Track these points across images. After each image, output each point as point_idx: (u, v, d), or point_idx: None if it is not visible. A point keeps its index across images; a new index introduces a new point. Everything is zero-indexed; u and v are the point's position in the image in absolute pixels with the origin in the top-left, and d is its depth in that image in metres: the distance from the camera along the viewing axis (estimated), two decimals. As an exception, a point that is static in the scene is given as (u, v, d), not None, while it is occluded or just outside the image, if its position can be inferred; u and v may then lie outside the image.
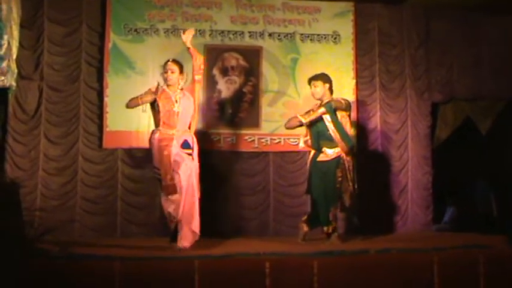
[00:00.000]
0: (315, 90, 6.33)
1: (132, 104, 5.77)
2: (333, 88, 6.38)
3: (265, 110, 7.56)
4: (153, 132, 5.71)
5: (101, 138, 7.20)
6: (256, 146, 7.53)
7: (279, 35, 7.65)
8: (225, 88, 7.54)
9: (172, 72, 5.69)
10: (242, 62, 7.59)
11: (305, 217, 6.46)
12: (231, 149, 7.48)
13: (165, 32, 7.40)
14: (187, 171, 5.61)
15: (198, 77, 5.85)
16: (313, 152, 6.34)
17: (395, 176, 7.76)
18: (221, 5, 7.53)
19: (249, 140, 7.51)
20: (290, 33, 7.66)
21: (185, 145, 5.69)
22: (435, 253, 5.18)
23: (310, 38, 7.69)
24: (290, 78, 7.62)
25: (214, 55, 7.51)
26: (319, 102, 6.36)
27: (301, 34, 7.68)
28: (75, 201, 7.10)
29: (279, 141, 7.55)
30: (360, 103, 7.74)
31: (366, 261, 5.15)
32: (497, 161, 8.29)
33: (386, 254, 5.33)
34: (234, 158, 7.51)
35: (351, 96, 7.56)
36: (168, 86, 5.71)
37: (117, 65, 7.23)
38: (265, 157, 7.59)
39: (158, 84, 5.78)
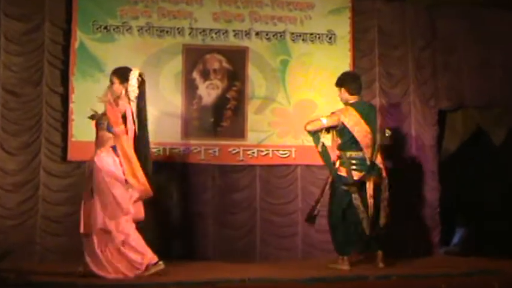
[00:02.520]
0: (340, 96, 6.62)
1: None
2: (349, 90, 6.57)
3: (252, 118, 7.59)
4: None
5: (65, 150, 7.20)
6: (241, 158, 7.55)
7: (267, 34, 7.68)
8: (206, 94, 7.56)
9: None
10: (225, 65, 7.61)
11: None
12: (212, 162, 7.49)
13: (139, 30, 7.42)
14: None
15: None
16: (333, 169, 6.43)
17: (397, 192, 7.55)
18: (202, 1, 7.58)
19: (233, 152, 7.54)
20: (280, 32, 7.70)
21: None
22: (443, 280, 5.17)
23: (302, 37, 7.73)
24: (279, 83, 7.66)
25: (194, 57, 7.54)
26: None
27: (292, 33, 7.72)
28: (35, 220, 7.08)
29: (267, 153, 7.59)
30: None
31: (363, 289, 5.15)
32: (512, 174, 8.37)
33: (386, 281, 5.37)
34: (216, 172, 7.53)
35: None
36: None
37: (84, 67, 7.25)
38: (251, 171, 7.62)
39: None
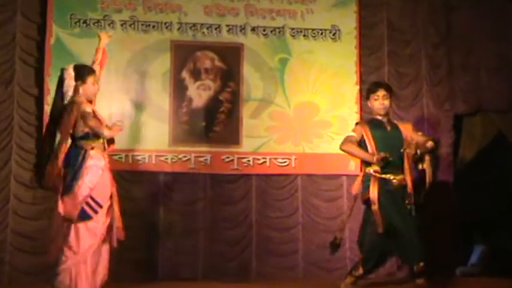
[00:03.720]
0: (384, 103, 6.37)
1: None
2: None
3: (247, 122, 7.56)
4: (89, 155, 5.68)
5: (39, 157, 7.15)
6: (235, 167, 7.52)
7: (264, 30, 7.66)
8: (197, 95, 7.53)
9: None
10: (218, 63, 7.60)
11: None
12: (204, 171, 7.46)
13: (122, 25, 7.41)
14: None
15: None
16: (374, 180, 6.22)
17: (409, 205, 7.72)
18: (192, -8, 7.62)
19: (227, 160, 7.50)
20: (278, 28, 7.68)
21: None
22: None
23: (303, 33, 7.72)
24: (278, 84, 7.64)
25: (183, 54, 7.52)
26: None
27: (292, 29, 7.70)
28: (5, 236, 7.00)
29: (264, 162, 7.56)
30: (365, 115, 7.61)
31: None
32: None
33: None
34: (208, 183, 7.51)
35: (353, 106, 7.64)
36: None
37: (61, 66, 6.78)
38: (247, 181, 7.60)
39: None
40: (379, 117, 6.38)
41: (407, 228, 6.07)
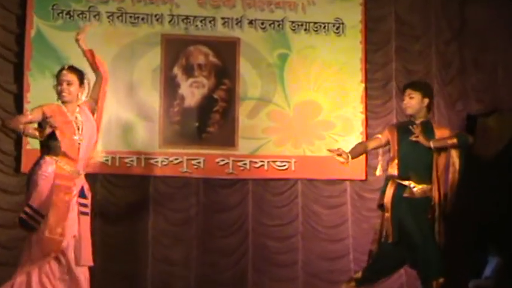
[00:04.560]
0: (409, 102, 6.19)
1: (14, 123, 5.40)
2: (432, 105, 6.34)
3: (244, 123, 7.56)
4: (44, 162, 5.34)
5: (18, 159, 7.12)
6: (230, 171, 7.51)
7: (262, 23, 7.65)
8: (190, 93, 7.53)
9: (69, 84, 5.41)
10: (213, 59, 7.59)
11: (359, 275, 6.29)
12: (197, 176, 7.45)
13: (109, 17, 7.42)
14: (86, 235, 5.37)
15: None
16: (391, 185, 6.15)
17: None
18: (185, -18, 7.58)
19: (222, 163, 7.49)
20: (278, 21, 7.68)
21: (82, 194, 5.41)
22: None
23: (304, 27, 7.72)
24: (277, 81, 7.65)
25: (175, 49, 7.52)
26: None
27: (293, 22, 7.71)
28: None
29: (262, 165, 7.54)
30: (371, 115, 7.70)
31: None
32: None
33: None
34: (201, 188, 7.50)
35: (357, 106, 7.62)
36: (63, 102, 5.42)
37: (42, 60, 7.18)
38: (243, 186, 7.60)
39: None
40: (409, 120, 6.22)
41: (426, 240, 5.97)
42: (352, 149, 6.23)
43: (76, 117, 5.35)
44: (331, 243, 7.27)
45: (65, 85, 5.34)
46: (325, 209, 7.62)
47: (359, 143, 6.48)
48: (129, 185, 7.28)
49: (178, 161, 7.39)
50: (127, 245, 7.06)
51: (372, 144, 6.30)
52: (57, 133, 5.21)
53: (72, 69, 5.42)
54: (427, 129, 6.11)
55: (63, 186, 5.24)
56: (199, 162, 7.43)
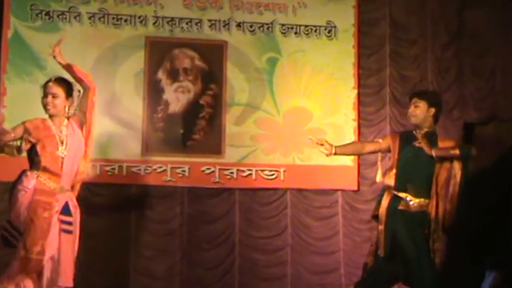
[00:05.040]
0: (414, 111, 6.14)
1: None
2: (439, 116, 6.22)
3: (231, 130, 7.55)
4: (26, 176, 5.30)
5: (-6, 167, 7.04)
6: (217, 180, 7.50)
7: (251, 26, 7.65)
8: (175, 98, 7.52)
9: (54, 97, 5.35)
10: (199, 63, 7.59)
11: None
12: (181, 185, 7.43)
13: (90, 18, 7.41)
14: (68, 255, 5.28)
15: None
16: (387, 196, 6.11)
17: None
18: (171, -17, 7.56)
19: (207, 171, 7.47)
20: (267, 24, 7.68)
21: (65, 210, 5.32)
22: None
23: (294, 30, 7.72)
24: (266, 87, 7.65)
25: (159, 52, 7.51)
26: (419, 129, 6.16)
27: (283, 25, 7.70)
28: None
29: (249, 174, 7.54)
30: (363, 123, 7.69)
31: None
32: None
33: None
34: (186, 197, 7.49)
35: (349, 113, 7.60)
36: (50, 116, 5.38)
37: (19, 63, 7.18)
38: (230, 196, 7.59)
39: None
40: (414, 129, 6.16)
41: (420, 255, 5.91)
42: (344, 144, 6.27)
43: (61, 131, 5.29)
44: (321, 256, 7.25)
45: (50, 98, 5.29)
46: (315, 220, 7.59)
47: (355, 142, 6.52)
48: (110, 195, 7.24)
49: (162, 169, 7.36)
50: (107, 257, 7.02)
51: (369, 147, 6.25)
52: (38, 147, 5.17)
53: (59, 81, 5.36)
54: (431, 139, 6.06)
55: (42, 202, 5.18)
56: (184, 171, 7.41)
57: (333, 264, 7.52)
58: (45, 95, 5.31)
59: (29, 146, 5.14)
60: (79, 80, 5.41)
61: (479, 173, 7.92)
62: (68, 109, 5.34)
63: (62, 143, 5.28)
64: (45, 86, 5.33)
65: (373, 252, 6.15)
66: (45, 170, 5.20)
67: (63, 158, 5.25)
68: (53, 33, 7.18)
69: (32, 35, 7.21)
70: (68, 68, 5.40)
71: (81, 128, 5.41)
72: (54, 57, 5.42)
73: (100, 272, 6.99)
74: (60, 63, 5.40)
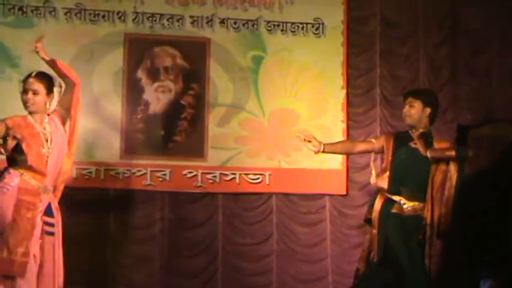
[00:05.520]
0: (409, 111, 6.17)
1: None
2: (435, 116, 6.25)
3: (214, 131, 7.56)
4: (8, 174, 5.26)
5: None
6: (199, 184, 7.51)
7: (235, 23, 7.67)
8: (155, 99, 7.53)
9: (34, 94, 5.31)
10: (180, 61, 7.58)
11: None
12: (162, 189, 7.44)
13: (66, 14, 7.39)
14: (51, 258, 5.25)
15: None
16: (380, 199, 6.12)
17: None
18: (151, -23, 7.52)
19: (189, 175, 7.48)
20: (252, 21, 7.70)
21: (48, 211, 5.31)
22: None
23: (281, 27, 7.74)
24: (250, 87, 7.66)
25: (139, 50, 7.52)
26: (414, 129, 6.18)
27: (268, 22, 7.72)
28: None
29: (233, 178, 7.55)
30: (352, 124, 7.69)
31: None
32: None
33: None
34: (167, 202, 7.49)
35: (338, 114, 7.59)
36: (30, 113, 5.34)
37: None
38: (213, 201, 7.59)
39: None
40: (409, 130, 6.18)
41: (414, 261, 5.90)
42: (334, 142, 6.27)
43: (44, 128, 5.26)
44: (308, 264, 7.27)
45: (30, 94, 5.24)
46: (302, 226, 7.59)
47: (346, 140, 6.49)
48: (87, 199, 7.17)
49: (141, 172, 7.35)
50: (83, 266, 6.92)
51: (361, 147, 6.26)
52: (23, 146, 5.13)
53: (40, 76, 5.31)
54: (427, 141, 6.06)
55: (26, 201, 5.15)
56: (164, 175, 7.40)
57: (320, 272, 7.52)
58: (25, 91, 5.26)
59: (14, 143, 5.10)
60: (63, 76, 5.39)
61: (475, 177, 7.93)
62: (49, 105, 5.30)
63: (47, 140, 5.24)
64: (25, 81, 5.29)
65: (365, 257, 6.15)
66: (30, 168, 5.16)
67: (47, 156, 5.22)
68: (27, 29, 7.19)
69: (4, 31, 7.20)
70: (52, 63, 5.37)
71: (63, 125, 5.38)
72: (37, 52, 5.36)
73: (75, 281, 6.77)
74: (43, 58, 5.36)
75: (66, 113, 5.38)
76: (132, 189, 7.34)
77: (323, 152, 5.96)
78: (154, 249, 7.38)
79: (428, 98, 6.20)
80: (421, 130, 6.08)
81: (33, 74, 5.30)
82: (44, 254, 5.17)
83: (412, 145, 5.95)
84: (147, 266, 7.34)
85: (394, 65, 7.90)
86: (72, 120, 5.42)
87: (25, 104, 5.26)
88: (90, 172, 7.22)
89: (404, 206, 5.96)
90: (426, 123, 6.10)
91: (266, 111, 7.59)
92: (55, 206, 5.33)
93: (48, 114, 5.30)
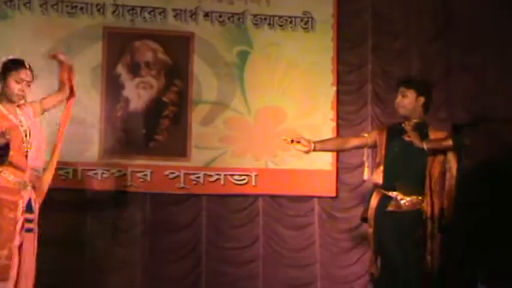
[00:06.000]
0: (402, 101, 6.08)
1: None
2: (429, 105, 6.16)
3: (198, 130, 7.56)
4: None
5: None
6: (181, 185, 7.51)
7: (220, 16, 7.66)
8: (136, 95, 7.52)
9: (29, 85, 5.33)
10: (162, 56, 7.58)
11: None
12: (143, 190, 7.43)
13: (41, 5, 7.39)
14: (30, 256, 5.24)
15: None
16: (376, 196, 6.07)
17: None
18: (131, -33, 7.49)
19: (171, 176, 7.48)
20: (237, 14, 7.70)
21: (28, 207, 5.27)
22: None
23: (268, 21, 7.75)
24: (236, 83, 7.66)
25: (119, 44, 7.51)
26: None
27: (255, 15, 7.73)
28: None
29: (218, 179, 7.54)
30: (342, 123, 7.68)
31: None
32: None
33: None
34: (148, 204, 7.49)
35: (327, 113, 7.58)
36: (12, 102, 5.30)
37: None
38: (197, 203, 7.60)
39: None
40: (402, 121, 6.10)
41: (408, 264, 5.85)
42: (324, 139, 6.22)
43: (20, 121, 5.23)
44: (296, 269, 7.27)
45: (24, 86, 5.24)
46: (289, 229, 7.58)
47: (337, 137, 6.46)
48: (64, 201, 7.08)
49: (121, 173, 7.35)
50: (60, 271, 6.93)
51: (353, 142, 6.16)
52: (11, 143, 5.11)
53: (30, 67, 5.34)
54: (422, 131, 5.99)
55: (7, 201, 5.13)
56: (145, 175, 7.39)
57: (308, 277, 7.51)
58: (17, 81, 5.23)
59: (3, 141, 5.07)
60: (69, 84, 5.51)
61: (470, 177, 7.95)
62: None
63: (26, 135, 5.22)
64: (18, 71, 5.23)
65: (374, 260, 6.09)
66: (10, 165, 5.13)
67: (27, 151, 5.19)
68: (1, 21, 7.20)
69: (-24, 24, 7.11)
70: (69, 69, 5.50)
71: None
72: (56, 56, 5.55)
73: (51, 285, 6.77)
74: (63, 61, 5.51)
75: (41, 111, 5.42)
76: (112, 191, 7.31)
77: (314, 150, 5.88)
78: (135, 253, 7.37)
79: (421, 86, 6.12)
80: (415, 121, 6.00)
81: (27, 64, 5.30)
82: (23, 253, 5.14)
83: (406, 138, 5.88)
84: (127, 271, 7.32)
85: (386, 60, 7.92)
86: (59, 132, 5.52)
87: (15, 95, 5.22)
88: (67, 173, 7.18)
89: (402, 202, 5.89)
90: (420, 113, 6.02)
91: (252, 109, 7.58)
92: (34, 198, 5.29)
93: (18, 106, 5.25)
